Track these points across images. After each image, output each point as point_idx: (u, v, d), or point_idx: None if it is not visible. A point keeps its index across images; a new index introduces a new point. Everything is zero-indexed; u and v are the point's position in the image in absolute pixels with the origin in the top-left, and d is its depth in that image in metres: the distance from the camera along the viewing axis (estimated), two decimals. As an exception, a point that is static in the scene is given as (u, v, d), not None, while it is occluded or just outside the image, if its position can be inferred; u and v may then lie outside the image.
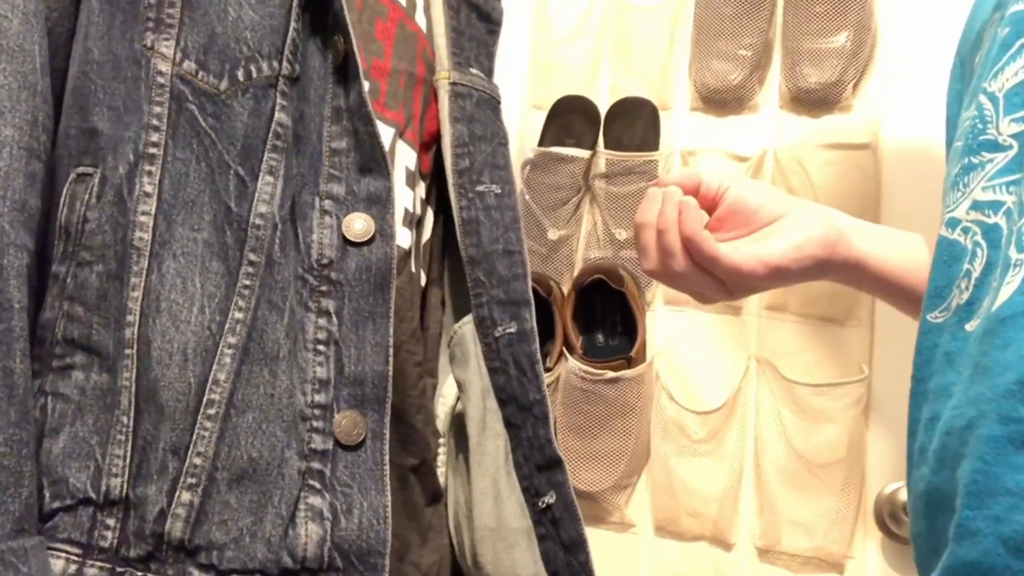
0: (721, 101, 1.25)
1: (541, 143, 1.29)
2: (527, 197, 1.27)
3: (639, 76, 1.30)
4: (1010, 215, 0.44)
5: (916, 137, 1.15)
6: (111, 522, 0.57)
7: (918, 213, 1.00)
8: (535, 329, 0.79)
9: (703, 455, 1.17)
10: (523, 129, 1.33)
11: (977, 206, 0.47)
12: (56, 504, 0.57)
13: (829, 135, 1.19)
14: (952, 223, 0.49)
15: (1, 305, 0.55)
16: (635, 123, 1.27)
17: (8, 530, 0.53)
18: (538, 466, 0.76)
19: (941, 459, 0.45)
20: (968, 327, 0.45)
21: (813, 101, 1.20)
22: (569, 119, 1.29)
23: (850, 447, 1.10)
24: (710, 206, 0.69)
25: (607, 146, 1.27)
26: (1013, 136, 0.45)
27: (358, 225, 0.65)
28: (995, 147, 0.46)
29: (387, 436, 0.63)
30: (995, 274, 0.44)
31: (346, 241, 0.65)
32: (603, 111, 1.28)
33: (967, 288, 0.46)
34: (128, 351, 0.58)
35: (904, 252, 0.70)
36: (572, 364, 1.19)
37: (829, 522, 1.09)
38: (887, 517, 1.08)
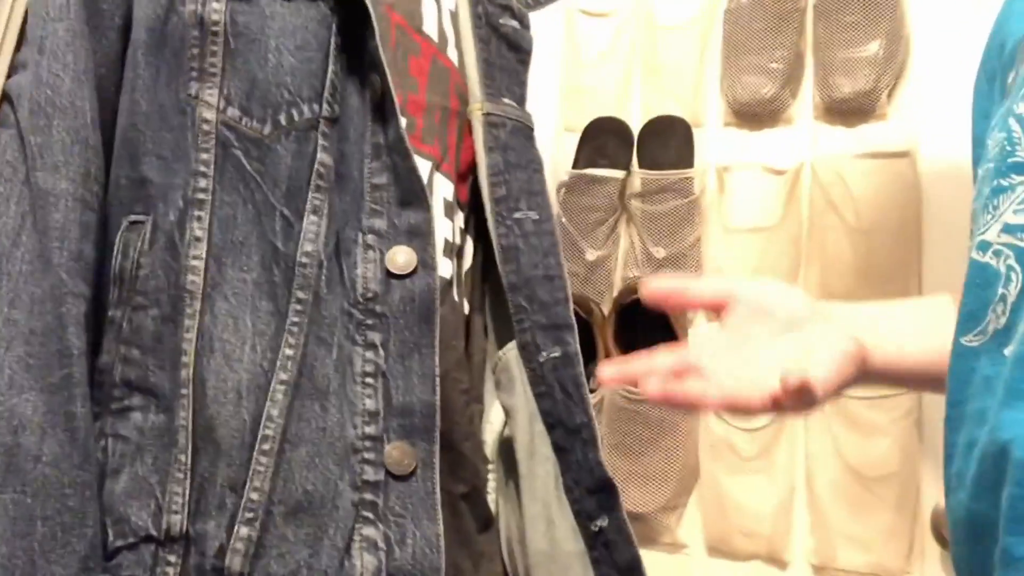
0: (754, 115, 1.25)
1: (575, 165, 1.30)
2: (563, 220, 1.27)
3: (670, 95, 1.30)
4: None
5: (955, 143, 1.13)
6: (172, 558, 0.58)
7: (961, 220, 0.99)
8: (579, 352, 0.79)
9: (754, 472, 1.15)
10: (557, 152, 1.34)
11: (1009, 229, 0.46)
12: (119, 542, 0.59)
13: (866, 145, 1.18)
14: (983, 246, 0.49)
15: (61, 352, 0.57)
16: (669, 141, 1.27)
17: (75, 570, 0.54)
18: (589, 489, 0.76)
19: (979, 485, 0.44)
20: (1007, 351, 0.44)
21: (848, 111, 1.20)
22: (602, 140, 1.30)
23: (903, 460, 1.08)
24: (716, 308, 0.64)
25: (641, 165, 1.28)
26: None
27: (400, 258, 0.66)
28: (1022, 169, 0.46)
29: (437, 465, 0.64)
30: None
31: (389, 274, 0.66)
32: (636, 131, 1.29)
33: (1004, 312, 0.45)
34: (184, 391, 0.60)
35: (928, 339, 0.63)
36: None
37: (885, 537, 1.08)
38: (945, 531, 1.06)
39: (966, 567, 0.49)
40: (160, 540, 0.59)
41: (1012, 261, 0.46)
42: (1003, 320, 0.46)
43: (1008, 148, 0.48)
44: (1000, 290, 0.46)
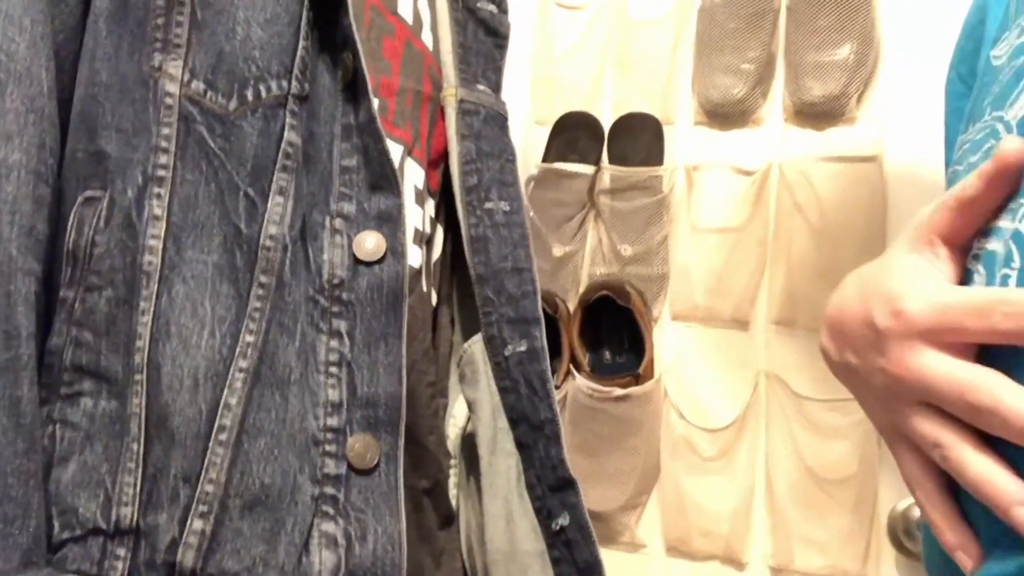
0: (725, 115, 1.25)
1: (545, 159, 1.29)
2: (531, 214, 1.26)
3: (642, 91, 1.29)
4: (1008, 242, 0.44)
5: (922, 148, 1.15)
6: (122, 552, 0.56)
7: (927, 226, 1.00)
8: (545, 347, 0.78)
9: (714, 473, 1.16)
10: (526, 145, 1.33)
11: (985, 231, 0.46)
12: (65, 535, 0.56)
13: (834, 148, 1.19)
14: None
15: (8, 333, 0.54)
16: (639, 138, 1.27)
17: (17, 563, 0.51)
18: (551, 487, 0.74)
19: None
20: None
21: (817, 114, 1.20)
22: (573, 135, 1.28)
23: (862, 463, 1.09)
24: None
25: (611, 161, 1.27)
26: None
27: (369, 243, 0.64)
28: None
29: (401, 459, 0.62)
30: None
31: (357, 260, 0.64)
32: (606, 126, 1.28)
33: None
34: (137, 377, 0.57)
35: None
36: (580, 382, 1.18)
37: (842, 539, 1.08)
38: (901, 534, 1.07)
39: (936, 567, 0.49)
40: (109, 533, 0.56)
41: (979, 265, 0.46)
42: None
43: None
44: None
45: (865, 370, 0.45)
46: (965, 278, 0.46)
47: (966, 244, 0.45)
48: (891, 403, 0.44)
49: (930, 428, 0.41)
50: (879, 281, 0.45)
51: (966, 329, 0.40)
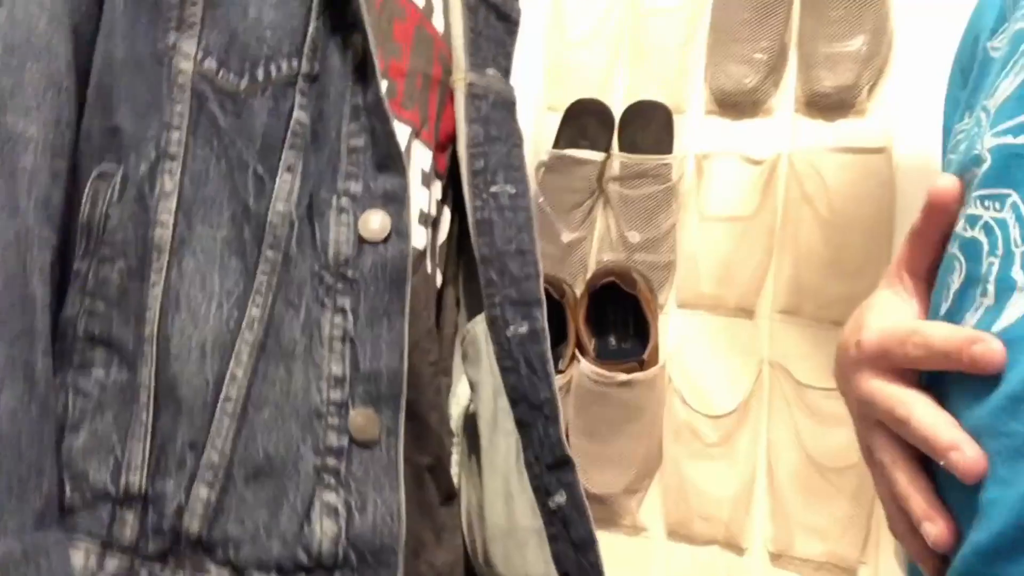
0: (736, 104, 1.25)
1: (555, 145, 1.29)
2: (541, 199, 1.27)
3: (654, 79, 1.30)
4: (990, 230, 0.44)
5: (931, 141, 1.14)
6: (130, 517, 0.57)
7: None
8: (546, 329, 0.79)
9: (715, 459, 1.17)
10: (538, 131, 1.34)
11: (963, 218, 0.47)
12: (76, 499, 0.58)
13: (844, 139, 1.19)
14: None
15: (24, 301, 0.55)
16: (650, 126, 1.27)
17: (30, 524, 0.53)
18: (548, 465, 0.76)
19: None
20: None
21: (828, 105, 1.20)
22: (584, 122, 1.29)
23: (863, 452, 1.10)
24: None
25: (621, 149, 1.28)
26: (989, 150, 0.45)
27: (374, 223, 0.65)
28: (978, 161, 0.47)
29: (401, 434, 0.63)
30: (978, 289, 0.44)
31: (362, 239, 0.65)
32: (618, 114, 1.28)
33: (948, 299, 0.46)
34: (147, 347, 0.59)
35: None
36: (584, 367, 1.20)
37: (842, 527, 1.09)
38: (900, 522, 1.08)
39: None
40: (118, 498, 0.58)
41: (956, 250, 0.46)
42: (945, 306, 0.46)
43: (975, 140, 0.49)
44: (948, 278, 0.47)
45: (848, 396, 0.50)
46: (945, 267, 0.47)
47: (928, 272, 0.49)
48: (860, 425, 0.49)
49: (879, 445, 0.46)
50: (861, 315, 0.50)
51: (892, 356, 0.45)
